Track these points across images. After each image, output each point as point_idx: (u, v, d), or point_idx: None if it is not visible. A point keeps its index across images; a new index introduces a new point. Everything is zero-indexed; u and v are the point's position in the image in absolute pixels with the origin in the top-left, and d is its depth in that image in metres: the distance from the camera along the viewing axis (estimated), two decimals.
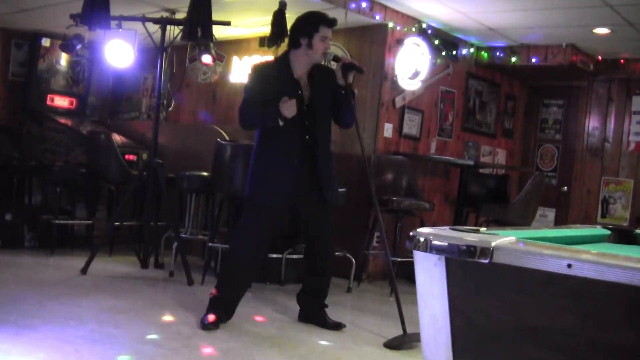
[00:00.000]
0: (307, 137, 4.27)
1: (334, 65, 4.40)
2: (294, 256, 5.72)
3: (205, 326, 4.11)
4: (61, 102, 8.42)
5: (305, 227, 4.60)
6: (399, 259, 5.76)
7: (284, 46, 5.64)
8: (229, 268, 4.38)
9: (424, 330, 1.97)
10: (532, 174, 7.07)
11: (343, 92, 4.29)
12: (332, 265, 4.64)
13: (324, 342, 4.10)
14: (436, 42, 6.82)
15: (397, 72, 6.46)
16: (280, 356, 3.72)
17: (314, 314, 4.53)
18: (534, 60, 7.23)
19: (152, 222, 5.91)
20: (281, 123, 4.10)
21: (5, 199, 7.12)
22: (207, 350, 3.73)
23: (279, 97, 4.15)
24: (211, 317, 4.16)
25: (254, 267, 4.46)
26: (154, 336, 3.89)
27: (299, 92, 4.26)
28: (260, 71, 4.32)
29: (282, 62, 4.35)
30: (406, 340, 4.11)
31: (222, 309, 4.26)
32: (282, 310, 4.85)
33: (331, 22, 4.27)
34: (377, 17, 6.25)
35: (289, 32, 4.46)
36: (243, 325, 4.31)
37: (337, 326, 4.41)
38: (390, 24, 6.37)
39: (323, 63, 4.48)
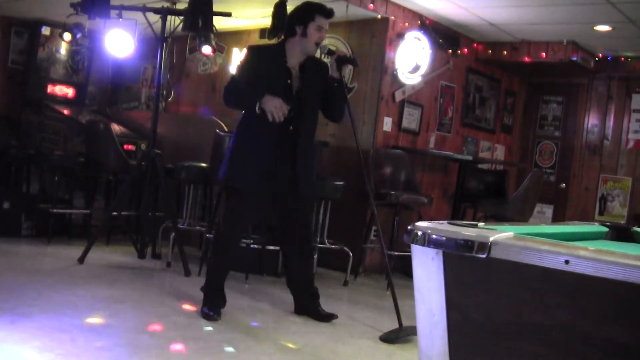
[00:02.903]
0: (290, 127, 4.25)
1: (328, 59, 4.39)
2: None
3: (210, 317, 4.16)
4: (60, 90, 8.40)
5: (280, 215, 4.52)
6: (396, 253, 5.77)
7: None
8: (215, 258, 4.43)
9: (420, 324, 1.98)
10: (531, 170, 7.07)
11: (336, 84, 4.29)
12: (313, 255, 4.63)
13: (320, 335, 4.10)
14: (437, 36, 6.81)
15: (397, 66, 6.45)
16: (276, 348, 3.73)
17: (305, 304, 4.53)
18: (534, 56, 7.22)
19: (150, 213, 5.91)
20: (257, 110, 4.11)
21: (3, 187, 7.12)
22: (203, 341, 3.73)
23: (268, 82, 4.18)
24: (212, 307, 4.22)
25: (235, 253, 4.47)
26: (150, 326, 3.89)
27: (288, 81, 4.27)
28: (255, 53, 4.34)
29: (277, 49, 4.35)
30: (402, 334, 4.11)
31: (217, 298, 4.30)
32: (278, 302, 4.85)
33: (328, 13, 4.26)
34: (379, 11, 6.24)
35: (287, 21, 4.45)
36: (239, 317, 4.32)
37: (329, 317, 4.42)
38: (392, 18, 6.36)
39: (318, 55, 4.46)
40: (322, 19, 4.23)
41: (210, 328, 3.99)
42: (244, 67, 4.31)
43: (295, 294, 4.57)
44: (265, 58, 4.32)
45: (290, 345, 3.82)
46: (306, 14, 4.25)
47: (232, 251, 4.40)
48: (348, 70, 4.33)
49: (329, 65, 4.34)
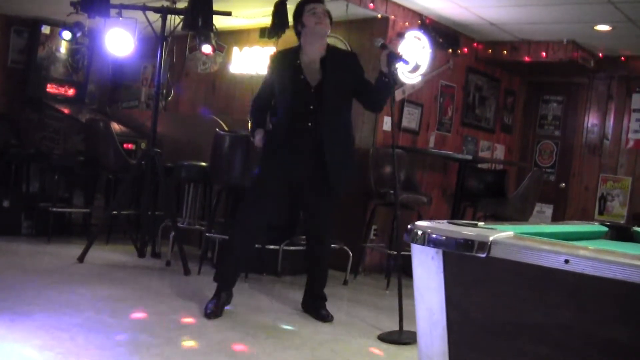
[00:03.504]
0: (309, 123, 4.28)
1: (381, 52, 4.36)
2: (291, 248, 5.73)
3: (208, 315, 4.19)
4: (60, 89, 8.40)
5: (304, 213, 4.70)
6: (396, 252, 5.76)
7: (284, 37, 5.66)
8: (229, 247, 4.49)
9: (420, 323, 1.98)
10: (531, 170, 7.07)
11: (384, 78, 4.30)
12: (329, 256, 4.67)
13: (319, 334, 4.10)
14: (437, 36, 6.81)
15: (397, 65, 6.43)
16: (275, 347, 3.73)
17: (308, 302, 4.61)
18: (534, 56, 7.22)
19: (150, 212, 5.91)
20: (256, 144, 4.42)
21: (3, 186, 7.11)
22: (203, 340, 3.73)
23: (283, 85, 4.33)
24: (215, 303, 4.27)
25: (249, 247, 4.48)
26: (149, 325, 3.89)
27: (302, 76, 4.29)
28: (273, 62, 4.53)
29: (291, 52, 4.44)
30: (402, 338, 4.10)
31: (224, 291, 4.35)
32: (278, 301, 4.85)
33: None
34: (379, 10, 6.24)
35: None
36: (239, 316, 4.32)
37: (326, 318, 4.44)
38: (392, 17, 6.36)
39: (377, 45, 4.42)
40: (310, 5, 4.32)
41: (209, 327, 3.99)
42: (265, 81, 4.55)
43: (305, 289, 4.67)
44: (281, 63, 4.43)
45: (288, 344, 3.82)
46: (297, 9, 4.39)
47: (243, 249, 4.42)
48: (395, 65, 4.36)
49: (380, 57, 4.32)
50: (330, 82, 4.29)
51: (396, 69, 4.44)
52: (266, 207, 4.36)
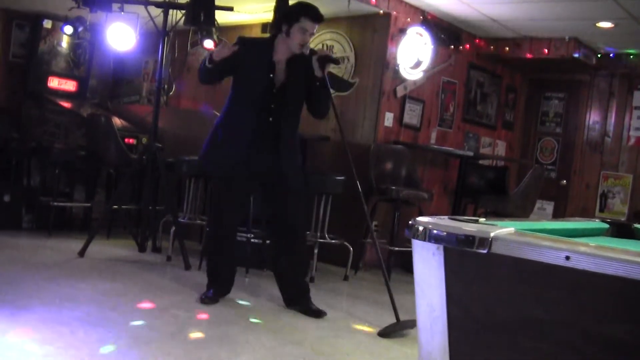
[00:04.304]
0: (270, 119, 4.30)
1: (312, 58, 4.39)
2: None
3: (202, 300, 4.37)
4: (62, 84, 8.40)
5: (267, 207, 4.64)
6: (396, 248, 5.77)
7: None
8: (208, 245, 4.66)
9: (420, 319, 1.98)
10: (532, 167, 7.07)
11: (318, 83, 4.30)
12: (302, 249, 4.60)
13: (319, 329, 4.11)
14: (439, 32, 6.80)
15: (399, 61, 6.44)
16: (275, 342, 3.73)
17: (294, 298, 4.53)
18: (536, 52, 7.21)
19: (151, 206, 5.91)
20: (208, 65, 4.19)
21: (4, 180, 7.11)
22: (202, 334, 3.74)
23: (250, 73, 4.29)
24: (209, 293, 4.43)
25: (227, 238, 4.51)
26: (150, 320, 3.89)
27: (271, 75, 4.30)
28: (242, 43, 4.34)
29: (267, 43, 4.41)
30: (399, 328, 4.12)
31: (216, 283, 4.48)
32: (278, 296, 4.85)
33: (315, 17, 4.22)
34: (380, 6, 6.23)
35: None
36: (239, 311, 4.32)
37: (319, 313, 4.40)
38: (394, 13, 6.35)
39: (305, 52, 4.43)
40: (307, 22, 4.20)
41: (209, 321, 3.99)
42: (210, 54, 4.33)
43: (282, 287, 4.58)
44: (253, 50, 4.36)
45: (289, 338, 3.82)
46: (293, 14, 4.26)
47: (224, 243, 4.49)
48: (328, 68, 4.33)
49: (312, 64, 4.31)
50: (294, 84, 4.35)
51: (328, 73, 4.39)
52: (237, 203, 4.47)
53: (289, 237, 4.47)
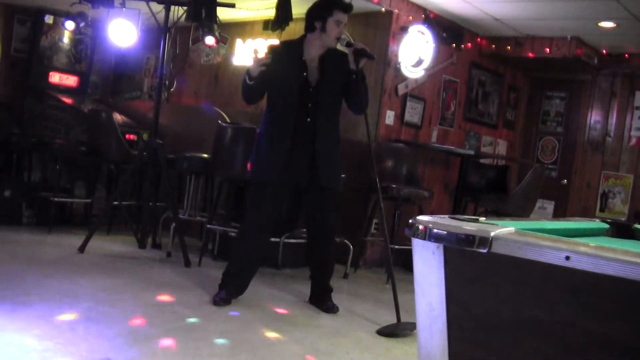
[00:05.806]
0: (307, 119, 4.31)
1: (346, 50, 4.39)
2: (292, 240, 5.72)
3: (216, 302, 4.31)
4: (63, 79, 8.40)
5: (305, 208, 4.72)
6: (397, 247, 5.76)
7: (288, 30, 5.64)
8: (236, 246, 4.56)
9: (420, 318, 1.97)
10: (533, 166, 7.06)
11: (354, 76, 4.31)
12: (335, 249, 4.72)
13: (319, 327, 4.11)
14: (440, 30, 6.80)
15: (400, 59, 6.44)
16: (275, 339, 3.73)
17: (314, 295, 4.66)
18: (538, 52, 7.20)
19: (151, 203, 5.91)
20: (249, 82, 4.20)
21: (5, 175, 7.12)
22: (202, 332, 3.74)
23: (283, 76, 4.29)
24: (222, 294, 4.36)
25: (258, 245, 4.49)
26: (149, 316, 3.89)
27: (304, 74, 4.31)
28: (272, 53, 4.38)
29: (295, 45, 4.41)
30: (399, 329, 4.12)
31: (232, 285, 4.42)
32: (278, 294, 4.86)
33: (346, 7, 4.28)
34: (382, 4, 6.22)
35: (305, 17, 4.43)
36: (238, 308, 4.32)
37: (331, 309, 4.49)
38: (395, 11, 6.34)
39: (342, 44, 4.46)
40: (340, 14, 4.26)
41: (208, 319, 3.99)
42: (249, 69, 4.35)
43: (312, 284, 4.70)
44: (283, 54, 4.37)
45: (289, 336, 3.82)
46: (325, 9, 4.28)
47: (252, 248, 4.46)
48: (363, 62, 4.33)
49: (348, 56, 4.33)
50: (329, 82, 4.35)
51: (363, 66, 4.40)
52: (272, 210, 4.44)
53: (321, 239, 4.57)
